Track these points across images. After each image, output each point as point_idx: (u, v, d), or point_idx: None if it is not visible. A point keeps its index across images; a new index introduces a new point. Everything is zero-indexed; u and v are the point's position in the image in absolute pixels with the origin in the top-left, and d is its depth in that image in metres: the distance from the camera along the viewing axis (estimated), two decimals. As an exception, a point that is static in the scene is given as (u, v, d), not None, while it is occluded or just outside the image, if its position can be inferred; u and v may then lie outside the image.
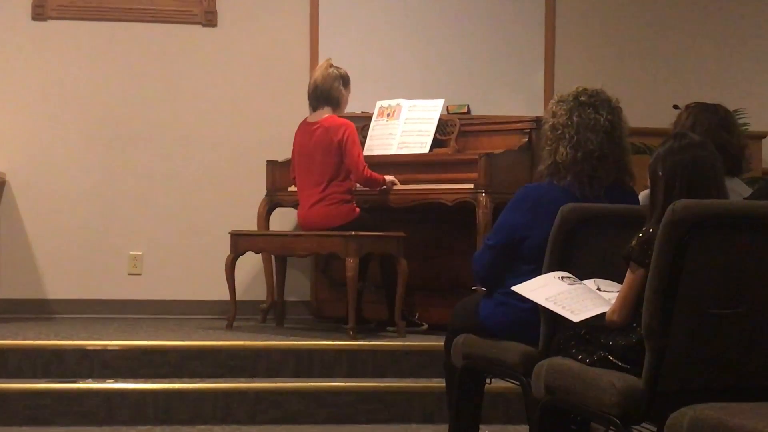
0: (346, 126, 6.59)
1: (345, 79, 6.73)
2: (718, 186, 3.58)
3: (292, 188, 6.98)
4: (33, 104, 7.70)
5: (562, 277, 3.91)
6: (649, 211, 3.65)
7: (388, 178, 6.66)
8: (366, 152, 6.92)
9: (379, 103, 7.14)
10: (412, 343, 6.23)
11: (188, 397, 5.67)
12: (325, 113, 6.67)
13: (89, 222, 7.71)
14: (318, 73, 6.72)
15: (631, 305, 3.56)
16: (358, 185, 6.67)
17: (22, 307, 7.53)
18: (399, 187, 6.67)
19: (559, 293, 3.82)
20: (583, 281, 3.90)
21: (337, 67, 6.72)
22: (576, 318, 3.68)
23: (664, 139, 3.69)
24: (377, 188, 6.66)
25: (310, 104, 6.75)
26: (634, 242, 3.56)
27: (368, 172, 6.56)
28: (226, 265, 6.73)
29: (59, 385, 5.67)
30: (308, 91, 6.75)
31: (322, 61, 6.87)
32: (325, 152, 6.58)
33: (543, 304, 3.85)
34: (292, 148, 6.82)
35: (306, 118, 6.80)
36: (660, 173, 3.59)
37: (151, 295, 7.69)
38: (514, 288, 4.03)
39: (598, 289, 3.84)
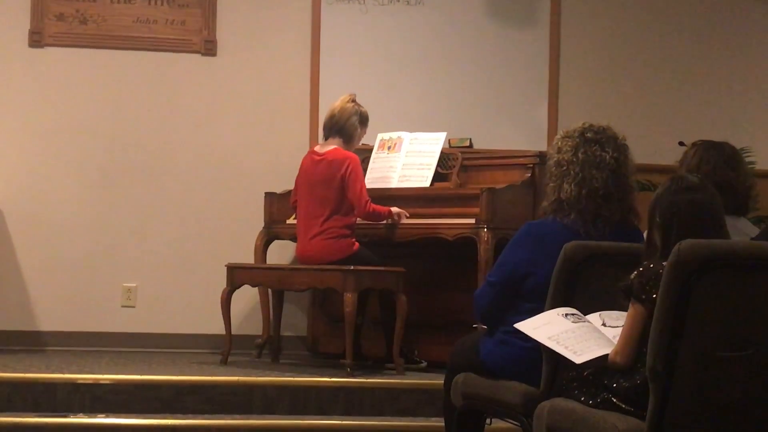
0: (350, 159, 6.55)
1: (363, 118, 6.72)
2: (717, 228, 3.57)
3: (291, 221, 6.94)
4: (28, 133, 7.66)
5: (567, 314, 3.88)
6: (645, 252, 3.63)
7: (395, 209, 6.59)
8: (366, 185, 6.87)
9: (380, 136, 7.11)
10: (411, 381, 6.17)
11: (181, 433, 5.63)
12: (333, 144, 6.64)
13: (83, 253, 7.64)
14: (338, 103, 6.71)
15: (634, 345, 3.55)
16: (359, 220, 6.59)
17: (14, 338, 7.44)
18: (403, 220, 6.60)
19: (562, 332, 3.79)
20: (588, 315, 3.85)
21: (359, 104, 6.71)
22: (579, 359, 3.65)
23: (664, 181, 3.66)
24: (382, 221, 6.59)
25: (324, 132, 6.75)
26: (633, 276, 3.53)
27: (371, 206, 6.51)
28: (221, 298, 6.69)
29: (50, 419, 5.60)
30: (324, 119, 6.75)
31: (344, 95, 6.80)
32: (328, 186, 6.55)
33: (545, 344, 3.80)
34: (295, 175, 6.79)
35: (314, 147, 6.79)
36: (657, 216, 3.60)
37: (144, 328, 7.61)
38: (517, 325, 4.00)
39: (603, 324, 3.81)
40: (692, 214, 3.52)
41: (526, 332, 3.92)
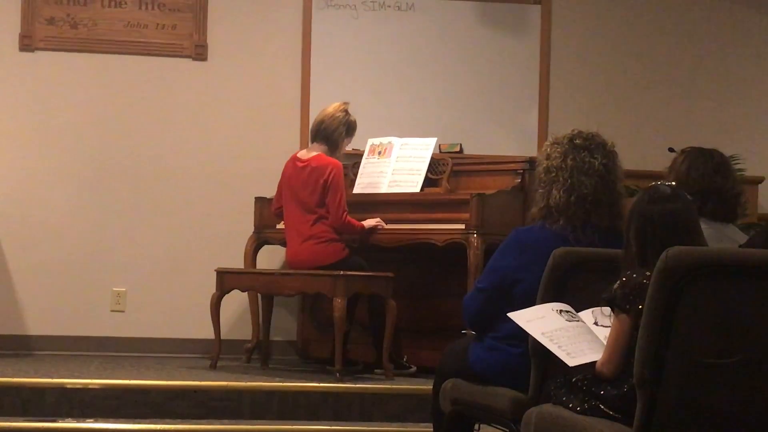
0: (333, 166, 6.56)
1: (351, 127, 6.73)
2: (692, 236, 3.56)
3: (281, 225, 6.93)
4: (18, 136, 7.64)
5: (561, 311, 3.85)
6: (624, 261, 3.64)
7: (369, 222, 6.62)
8: (356, 190, 6.89)
9: (370, 141, 7.10)
10: (400, 386, 6.16)
11: (170, 438, 5.62)
12: (317, 150, 6.66)
13: (72, 256, 7.62)
14: (329, 110, 6.73)
15: (620, 355, 3.53)
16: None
17: (2, 342, 7.41)
18: (388, 226, 6.61)
19: (556, 329, 3.76)
20: (580, 312, 3.84)
21: (350, 114, 6.72)
22: (572, 362, 3.64)
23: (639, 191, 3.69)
24: (354, 235, 6.61)
25: (310, 135, 6.79)
26: (616, 286, 3.54)
27: (347, 218, 6.54)
28: (211, 303, 6.68)
29: (38, 424, 5.60)
30: (313, 122, 6.79)
31: (338, 102, 6.81)
32: (312, 192, 6.58)
33: (538, 339, 3.78)
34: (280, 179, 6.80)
35: (297, 153, 6.80)
36: (632, 226, 3.61)
37: (134, 332, 7.60)
38: (510, 314, 3.97)
39: (595, 323, 3.79)
40: (664, 225, 3.53)
41: (518, 323, 3.89)
